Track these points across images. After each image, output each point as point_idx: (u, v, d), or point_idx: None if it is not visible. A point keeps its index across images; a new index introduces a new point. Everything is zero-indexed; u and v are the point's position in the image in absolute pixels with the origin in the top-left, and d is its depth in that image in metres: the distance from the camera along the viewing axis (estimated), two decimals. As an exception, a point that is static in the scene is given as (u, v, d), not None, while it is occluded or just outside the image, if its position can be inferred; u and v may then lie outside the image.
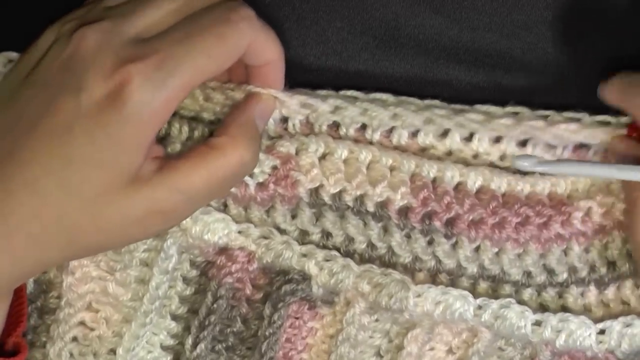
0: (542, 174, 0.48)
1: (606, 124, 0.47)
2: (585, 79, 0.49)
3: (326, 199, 0.49)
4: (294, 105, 0.48)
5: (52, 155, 0.43)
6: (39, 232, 0.43)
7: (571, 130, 0.47)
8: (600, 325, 0.47)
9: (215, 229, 0.49)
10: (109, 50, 0.43)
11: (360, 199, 0.49)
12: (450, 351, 0.49)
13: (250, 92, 0.47)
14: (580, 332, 0.47)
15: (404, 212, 0.49)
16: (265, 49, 0.46)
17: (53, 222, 0.43)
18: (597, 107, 0.48)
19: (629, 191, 0.47)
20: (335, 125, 0.49)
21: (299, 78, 0.49)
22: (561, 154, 0.48)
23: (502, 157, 0.48)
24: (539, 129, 0.47)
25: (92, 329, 0.50)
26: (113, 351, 0.50)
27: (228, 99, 0.48)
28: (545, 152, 0.47)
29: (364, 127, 0.49)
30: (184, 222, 0.49)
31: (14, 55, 0.50)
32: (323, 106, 0.48)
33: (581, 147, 0.48)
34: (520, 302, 0.48)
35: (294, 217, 0.50)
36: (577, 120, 0.48)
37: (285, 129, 0.49)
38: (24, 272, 0.44)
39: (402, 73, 0.50)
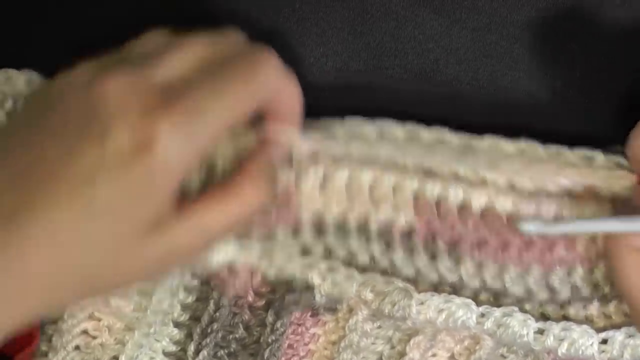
0: (549, 197, 0.47)
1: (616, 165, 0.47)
2: (584, 79, 0.49)
3: (329, 222, 0.49)
4: (308, 146, 0.48)
5: (74, 205, 0.41)
6: (57, 281, 0.42)
7: (582, 174, 0.46)
8: (603, 335, 0.47)
9: (217, 249, 0.49)
10: (134, 97, 0.41)
11: (364, 221, 0.49)
12: (452, 357, 0.49)
13: (266, 135, 0.47)
14: (583, 341, 0.47)
15: (407, 233, 0.49)
16: (286, 94, 0.45)
17: (72, 271, 0.42)
18: (597, 107, 0.48)
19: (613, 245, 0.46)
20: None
21: (299, 80, 0.48)
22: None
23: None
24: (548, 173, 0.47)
25: (94, 337, 0.50)
26: (115, 358, 0.50)
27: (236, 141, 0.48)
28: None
29: None
30: None
31: (34, 76, 0.50)
32: (335, 147, 0.48)
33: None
34: (522, 311, 0.48)
35: (295, 236, 0.49)
36: (590, 158, 0.47)
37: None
38: (32, 316, 0.43)
39: (402, 73, 0.50)
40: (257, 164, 0.45)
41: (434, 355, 0.49)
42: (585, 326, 0.48)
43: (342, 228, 0.49)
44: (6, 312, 0.42)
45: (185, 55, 0.43)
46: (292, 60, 0.48)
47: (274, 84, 0.44)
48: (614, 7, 0.48)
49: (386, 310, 0.48)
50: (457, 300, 0.48)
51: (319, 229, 0.49)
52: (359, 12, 0.50)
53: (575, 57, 0.49)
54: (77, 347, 0.50)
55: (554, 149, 0.47)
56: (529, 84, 0.50)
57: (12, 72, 0.50)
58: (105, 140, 0.41)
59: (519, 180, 0.47)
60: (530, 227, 0.46)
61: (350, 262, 0.49)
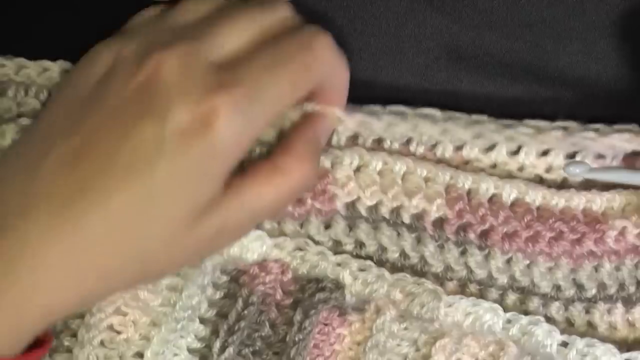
0: (579, 190, 0.48)
1: None
2: (583, 79, 0.49)
3: (363, 211, 0.50)
4: (353, 125, 0.48)
5: (133, 190, 0.40)
6: (114, 269, 0.42)
7: (624, 139, 0.47)
8: (626, 356, 0.48)
9: (253, 247, 0.49)
10: (192, 77, 0.41)
11: (396, 211, 0.50)
12: None
13: (313, 111, 0.47)
14: (605, 358, 0.48)
15: (439, 223, 0.49)
16: (338, 75, 0.46)
17: (129, 258, 0.41)
18: (596, 105, 0.49)
19: None
20: (379, 140, 0.49)
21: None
22: (610, 163, 0.48)
23: (549, 169, 0.49)
24: (589, 139, 0.48)
25: (119, 332, 0.49)
26: (139, 354, 0.49)
27: (282, 118, 0.48)
28: (594, 163, 0.48)
29: (408, 141, 0.49)
30: None
31: (67, 65, 0.50)
32: (378, 124, 0.49)
33: (632, 155, 0.48)
34: (548, 315, 0.49)
35: (327, 227, 0.50)
36: (628, 130, 0.48)
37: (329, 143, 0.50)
38: (86, 303, 0.43)
39: (403, 71, 0.51)
40: (304, 141, 0.45)
41: (458, 359, 0.49)
42: (609, 345, 0.48)
43: (374, 220, 0.50)
44: (62, 296, 0.41)
45: (238, 28, 0.43)
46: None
47: (330, 65, 0.44)
48: (615, 6, 0.49)
49: (415, 312, 0.48)
50: (485, 304, 0.49)
51: (351, 222, 0.50)
52: (359, 11, 0.51)
53: (575, 56, 0.50)
54: (101, 343, 0.49)
55: (592, 125, 0.48)
56: (528, 83, 0.50)
57: (47, 63, 0.50)
58: (165, 120, 0.40)
59: (558, 145, 0.48)
60: (576, 170, 0.45)
61: (380, 256, 0.50)
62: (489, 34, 0.49)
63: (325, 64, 0.44)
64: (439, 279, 0.50)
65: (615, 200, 0.49)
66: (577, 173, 0.45)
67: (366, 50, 0.51)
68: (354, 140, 0.50)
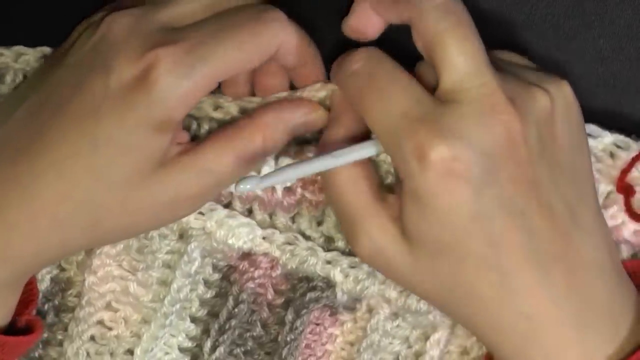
0: None
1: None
2: (582, 78, 0.49)
3: None
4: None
5: (80, 137, 0.42)
6: (65, 216, 0.43)
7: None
8: None
9: (239, 233, 0.49)
10: (138, 34, 0.43)
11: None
12: (465, 352, 0.50)
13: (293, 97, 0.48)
14: None
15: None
16: (298, 49, 0.46)
17: (80, 205, 0.43)
18: (596, 104, 0.48)
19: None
20: None
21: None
22: None
23: None
24: None
25: (110, 329, 0.49)
26: (130, 351, 0.49)
27: (242, 111, 0.48)
28: None
29: None
30: (209, 225, 0.48)
31: (47, 50, 0.50)
32: None
33: None
34: None
35: (319, 223, 0.49)
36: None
37: None
38: (47, 257, 0.44)
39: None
40: (266, 111, 0.46)
41: (448, 352, 0.49)
42: None
43: None
44: (20, 245, 0.43)
45: (192, 1, 0.45)
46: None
47: (280, 34, 0.45)
48: (614, 5, 0.49)
49: (413, 307, 0.48)
50: None
51: None
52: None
53: (573, 56, 0.49)
54: (92, 338, 0.49)
55: None
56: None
57: (46, 49, 0.50)
58: (109, 74, 0.42)
59: None
60: (245, 186, 0.44)
61: None
62: (489, 33, 0.49)
63: (276, 34, 0.44)
64: None
65: None
66: (248, 189, 0.45)
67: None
68: None
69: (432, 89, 0.43)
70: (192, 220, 0.49)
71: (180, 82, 0.42)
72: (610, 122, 0.48)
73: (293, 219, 0.49)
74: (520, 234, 0.42)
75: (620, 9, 0.49)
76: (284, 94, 0.48)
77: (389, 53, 0.45)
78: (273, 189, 0.49)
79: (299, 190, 0.49)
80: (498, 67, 0.43)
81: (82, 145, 0.42)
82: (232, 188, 0.47)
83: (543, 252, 0.42)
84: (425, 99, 0.42)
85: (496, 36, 0.47)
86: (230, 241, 0.49)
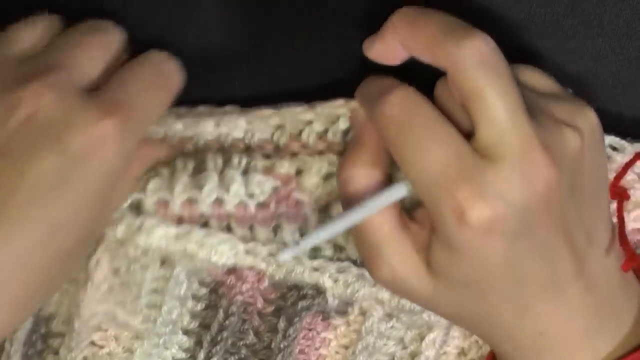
0: None
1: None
2: (581, 77, 0.49)
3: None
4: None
5: (37, 222, 0.41)
6: (24, 297, 0.43)
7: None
8: None
9: (222, 250, 0.48)
10: (73, 107, 0.42)
11: None
12: (462, 353, 0.50)
13: None
14: None
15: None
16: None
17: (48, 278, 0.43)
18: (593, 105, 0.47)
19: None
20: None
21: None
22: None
23: None
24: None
25: (101, 347, 0.49)
26: (124, 366, 0.49)
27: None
28: None
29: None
30: (190, 247, 0.48)
31: None
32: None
33: None
34: None
35: (302, 234, 0.49)
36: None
37: None
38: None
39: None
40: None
41: (444, 352, 0.50)
42: None
43: None
44: None
45: (91, 54, 0.44)
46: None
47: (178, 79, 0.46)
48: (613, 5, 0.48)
49: (407, 306, 0.48)
50: None
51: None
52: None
53: (572, 55, 0.49)
54: (84, 359, 0.49)
55: None
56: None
57: None
58: (61, 151, 0.41)
59: None
60: (284, 256, 0.45)
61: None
62: (489, 33, 0.47)
63: (179, 81, 0.46)
64: None
65: None
66: (287, 259, 0.46)
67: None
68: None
69: (464, 131, 0.42)
70: (171, 245, 0.48)
71: (129, 146, 0.43)
72: (608, 122, 0.47)
73: (275, 232, 0.49)
74: (545, 268, 0.43)
75: (620, 8, 0.48)
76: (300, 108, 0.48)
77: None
78: (245, 205, 0.48)
79: (272, 204, 0.48)
80: (526, 102, 0.42)
81: (41, 229, 0.42)
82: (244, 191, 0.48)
83: (562, 278, 0.43)
84: (466, 154, 0.41)
85: (496, 36, 0.46)
86: (213, 259, 0.48)
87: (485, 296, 0.43)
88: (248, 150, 0.49)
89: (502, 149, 0.41)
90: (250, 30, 0.49)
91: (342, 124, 0.48)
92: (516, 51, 0.45)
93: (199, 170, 0.48)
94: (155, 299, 0.48)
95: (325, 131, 0.48)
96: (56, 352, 0.49)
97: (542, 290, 0.43)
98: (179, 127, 0.48)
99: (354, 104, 0.47)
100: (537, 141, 0.41)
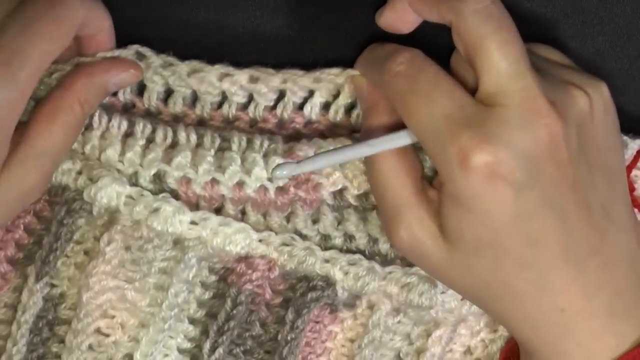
0: None
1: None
2: None
3: (351, 200, 0.49)
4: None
5: None
6: None
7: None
8: None
9: (236, 239, 0.48)
10: None
11: None
12: (468, 352, 0.50)
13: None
14: None
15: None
16: (96, 18, 0.47)
17: None
18: None
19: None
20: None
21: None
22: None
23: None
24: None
25: (107, 335, 0.48)
26: (128, 356, 0.48)
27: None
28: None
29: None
30: (204, 234, 0.48)
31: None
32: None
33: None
34: None
35: (315, 221, 0.49)
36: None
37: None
38: None
39: None
40: (78, 76, 0.46)
41: (449, 350, 0.50)
42: None
43: (364, 209, 0.49)
44: None
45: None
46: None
47: (81, 9, 0.45)
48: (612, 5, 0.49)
49: (415, 301, 0.48)
50: None
51: (339, 213, 0.49)
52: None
53: (574, 52, 0.49)
54: (90, 347, 0.48)
55: None
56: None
57: None
58: None
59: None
60: (282, 172, 0.46)
61: (372, 248, 0.49)
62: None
63: (78, 12, 0.45)
64: None
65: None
66: (284, 175, 0.46)
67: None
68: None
69: (470, 89, 0.43)
70: (186, 231, 0.48)
71: (10, 93, 0.43)
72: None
73: (288, 219, 0.49)
74: (558, 232, 0.43)
75: (619, 7, 0.49)
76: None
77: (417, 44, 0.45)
78: (265, 189, 0.48)
79: (292, 189, 0.48)
80: (536, 65, 0.43)
81: None
82: (267, 174, 0.48)
83: (578, 249, 0.43)
84: (468, 103, 0.42)
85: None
86: (227, 248, 0.48)
87: (499, 261, 0.43)
88: (254, 124, 0.49)
89: (504, 96, 0.42)
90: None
91: (343, 99, 0.49)
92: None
93: (223, 148, 0.48)
94: (163, 280, 0.48)
95: (327, 105, 0.49)
96: (61, 341, 0.48)
97: (558, 258, 0.43)
98: (183, 70, 0.49)
99: (351, 71, 0.48)
100: (539, 91, 0.42)
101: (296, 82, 0.48)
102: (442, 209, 0.44)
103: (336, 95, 0.49)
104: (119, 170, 0.48)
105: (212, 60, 0.49)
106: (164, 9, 0.49)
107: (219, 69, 0.48)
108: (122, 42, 0.48)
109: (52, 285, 0.48)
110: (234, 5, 0.49)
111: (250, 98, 0.49)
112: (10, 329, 0.48)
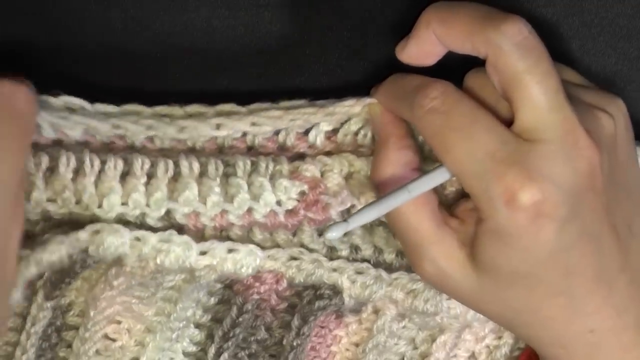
0: None
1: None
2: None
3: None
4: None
5: None
6: None
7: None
8: None
9: (246, 263, 0.48)
10: None
11: None
12: (472, 357, 0.50)
13: None
14: None
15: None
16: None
17: None
18: None
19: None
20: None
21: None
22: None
23: None
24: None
25: (114, 340, 0.48)
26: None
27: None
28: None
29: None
30: (214, 262, 0.47)
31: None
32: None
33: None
34: None
35: (320, 234, 0.49)
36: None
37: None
38: None
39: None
40: None
41: (454, 355, 0.50)
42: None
43: (370, 224, 0.49)
44: None
45: None
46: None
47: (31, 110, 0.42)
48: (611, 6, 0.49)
49: (420, 308, 0.48)
50: None
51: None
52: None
53: (575, 53, 0.49)
54: (97, 352, 0.48)
55: None
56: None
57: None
58: None
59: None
60: (332, 234, 0.44)
61: (377, 259, 0.49)
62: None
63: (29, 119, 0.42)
64: None
65: None
66: (334, 237, 0.44)
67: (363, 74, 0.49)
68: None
69: (503, 121, 0.43)
70: (195, 262, 0.47)
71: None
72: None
73: (294, 234, 0.49)
74: (593, 258, 0.43)
75: (620, 7, 0.48)
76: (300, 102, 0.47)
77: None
78: (275, 213, 0.48)
79: (301, 212, 0.48)
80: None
81: None
82: (275, 197, 0.47)
83: (609, 269, 0.43)
84: (509, 139, 0.42)
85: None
86: (238, 272, 0.48)
87: (532, 291, 0.43)
88: (250, 150, 0.48)
89: (545, 130, 0.41)
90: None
91: (354, 125, 0.48)
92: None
93: (227, 174, 0.47)
94: (171, 294, 0.48)
95: (335, 131, 0.48)
96: (69, 346, 0.48)
97: (591, 282, 0.43)
98: (171, 131, 0.46)
99: (368, 101, 0.47)
100: (578, 123, 0.41)
101: (307, 120, 0.48)
102: (478, 241, 0.43)
103: (345, 122, 0.48)
104: (123, 214, 0.46)
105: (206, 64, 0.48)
106: (159, 10, 0.48)
107: (213, 120, 0.47)
108: (114, 48, 0.47)
109: (62, 295, 0.47)
110: (234, 6, 0.49)
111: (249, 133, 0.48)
112: (19, 337, 0.48)
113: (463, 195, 0.47)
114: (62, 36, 0.47)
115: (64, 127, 0.45)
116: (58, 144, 0.46)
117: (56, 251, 0.45)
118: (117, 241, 0.46)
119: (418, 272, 0.46)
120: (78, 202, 0.46)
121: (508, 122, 0.42)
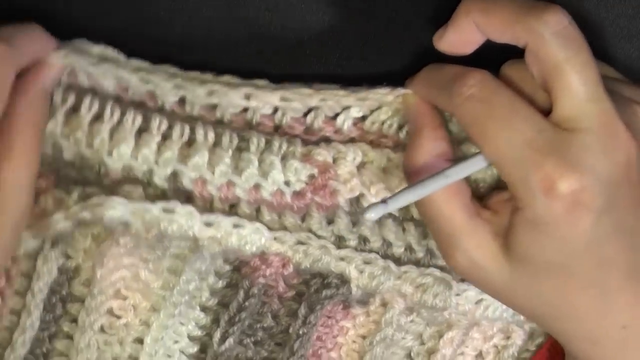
0: None
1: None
2: None
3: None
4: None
5: None
6: None
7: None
8: None
9: (252, 240, 0.48)
10: None
11: (405, 208, 0.48)
12: (479, 355, 0.50)
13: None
14: None
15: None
16: (36, 52, 0.45)
17: None
18: None
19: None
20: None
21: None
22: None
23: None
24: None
25: (119, 317, 0.48)
26: (138, 340, 0.48)
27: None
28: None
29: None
30: (218, 235, 0.48)
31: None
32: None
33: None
34: None
35: (329, 222, 0.49)
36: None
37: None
38: None
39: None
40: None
41: (461, 353, 0.49)
42: None
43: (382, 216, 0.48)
44: None
45: None
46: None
47: (15, 62, 0.43)
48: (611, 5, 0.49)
49: (429, 302, 0.48)
50: None
51: (355, 217, 0.49)
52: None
53: None
54: (101, 328, 0.48)
55: None
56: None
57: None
58: None
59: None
60: (371, 215, 0.44)
61: (385, 251, 0.49)
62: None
63: (11, 68, 0.43)
64: (445, 272, 0.49)
65: None
66: (373, 217, 0.44)
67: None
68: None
69: (540, 111, 0.43)
70: (199, 232, 0.47)
71: None
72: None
73: (302, 219, 0.49)
74: (627, 252, 0.43)
75: (620, 8, 0.49)
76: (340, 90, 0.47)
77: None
78: (282, 193, 0.48)
79: (309, 194, 0.48)
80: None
81: None
82: (284, 177, 0.47)
83: None
84: (548, 128, 0.42)
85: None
86: (243, 248, 0.48)
87: (565, 282, 0.43)
88: (278, 129, 0.48)
89: (583, 120, 0.41)
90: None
91: (384, 114, 0.48)
92: (517, 52, 0.46)
93: (241, 148, 0.48)
94: (176, 264, 0.47)
95: (363, 118, 0.48)
96: (73, 320, 0.48)
97: (624, 276, 0.42)
98: (200, 93, 0.47)
99: (403, 91, 0.47)
100: (616, 115, 0.42)
101: (338, 102, 0.48)
102: (513, 230, 0.43)
103: (375, 109, 0.48)
104: (131, 167, 0.47)
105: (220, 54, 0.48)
106: (159, 10, 0.48)
107: (243, 88, 0.47)
108: (119, 42, 0.47)
109: (68, 257, 0.47)
110: (234, 6, 0.49)
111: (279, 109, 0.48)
112: (24, 301, 0.48)
113: (495, 189, 0.47)
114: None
115: (97, 76, 0.46)
116: (92, 91, 0.47)
117: (60, 221, 0.47)
118: (116, 214, 0.46)
119: (450, 264, 0.45)
120: (90, 145, 0.47)
121: (545, 113, 0.43)
